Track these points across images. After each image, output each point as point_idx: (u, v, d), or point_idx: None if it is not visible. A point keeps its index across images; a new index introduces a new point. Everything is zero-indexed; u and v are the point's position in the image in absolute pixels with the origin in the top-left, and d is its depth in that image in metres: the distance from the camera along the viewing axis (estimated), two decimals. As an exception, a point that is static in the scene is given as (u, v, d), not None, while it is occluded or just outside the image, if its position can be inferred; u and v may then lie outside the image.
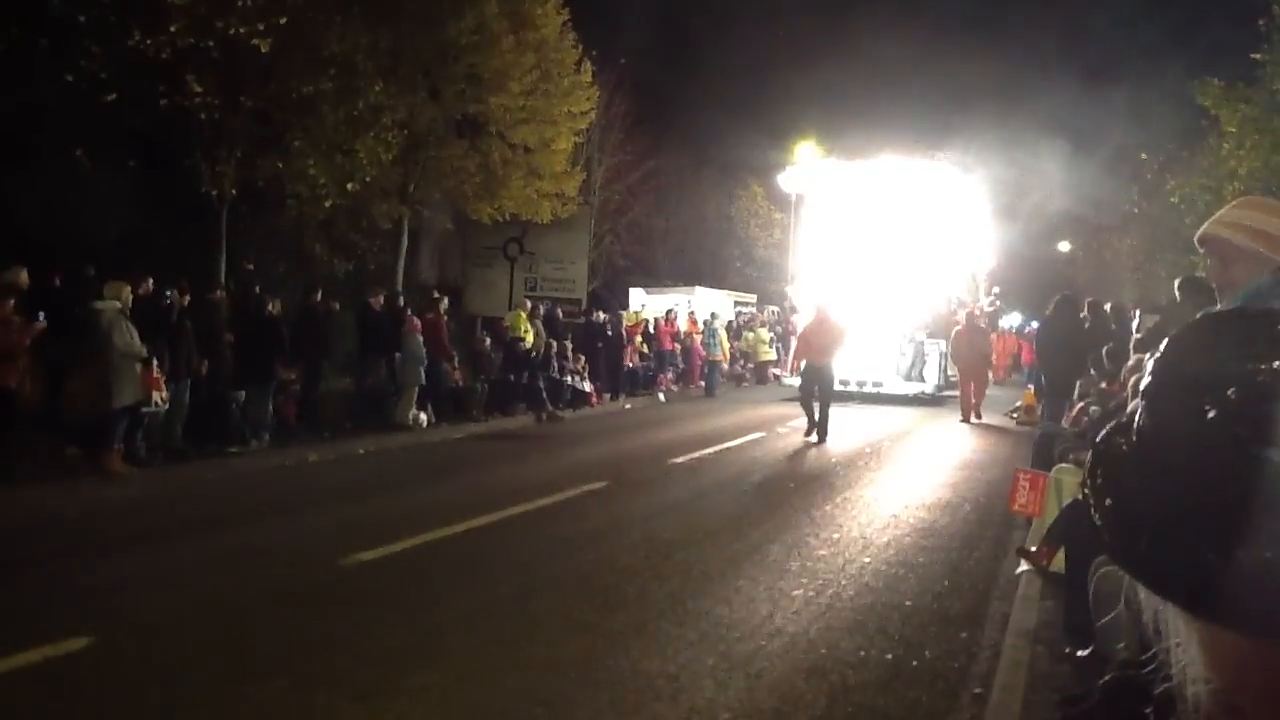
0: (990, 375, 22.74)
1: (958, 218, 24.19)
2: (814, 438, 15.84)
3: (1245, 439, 0.63)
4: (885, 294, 22.98)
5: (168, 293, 12.43)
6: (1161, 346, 0.71)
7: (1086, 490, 0.70)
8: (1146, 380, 0.69)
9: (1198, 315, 0.75)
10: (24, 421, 10.61)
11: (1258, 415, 0.63)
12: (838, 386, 23.20)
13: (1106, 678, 3.87)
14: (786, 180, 26.26)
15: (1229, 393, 0.64)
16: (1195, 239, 3.13)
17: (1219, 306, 2.70)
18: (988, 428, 18.58)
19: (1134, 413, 0.70)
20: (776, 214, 36.44)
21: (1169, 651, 0.71)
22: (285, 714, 4.94)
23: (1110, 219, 39.30)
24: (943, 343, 22.66)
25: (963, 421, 19.11)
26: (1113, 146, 34.38)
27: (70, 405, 11.12)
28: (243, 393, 13.20)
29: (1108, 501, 0.68)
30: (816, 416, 16.04)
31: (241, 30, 14.39)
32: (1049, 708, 4.84)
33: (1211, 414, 0.64)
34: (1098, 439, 0.71)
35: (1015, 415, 19.62)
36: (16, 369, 10.06)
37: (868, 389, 22.66)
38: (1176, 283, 7.69)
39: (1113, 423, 0.70)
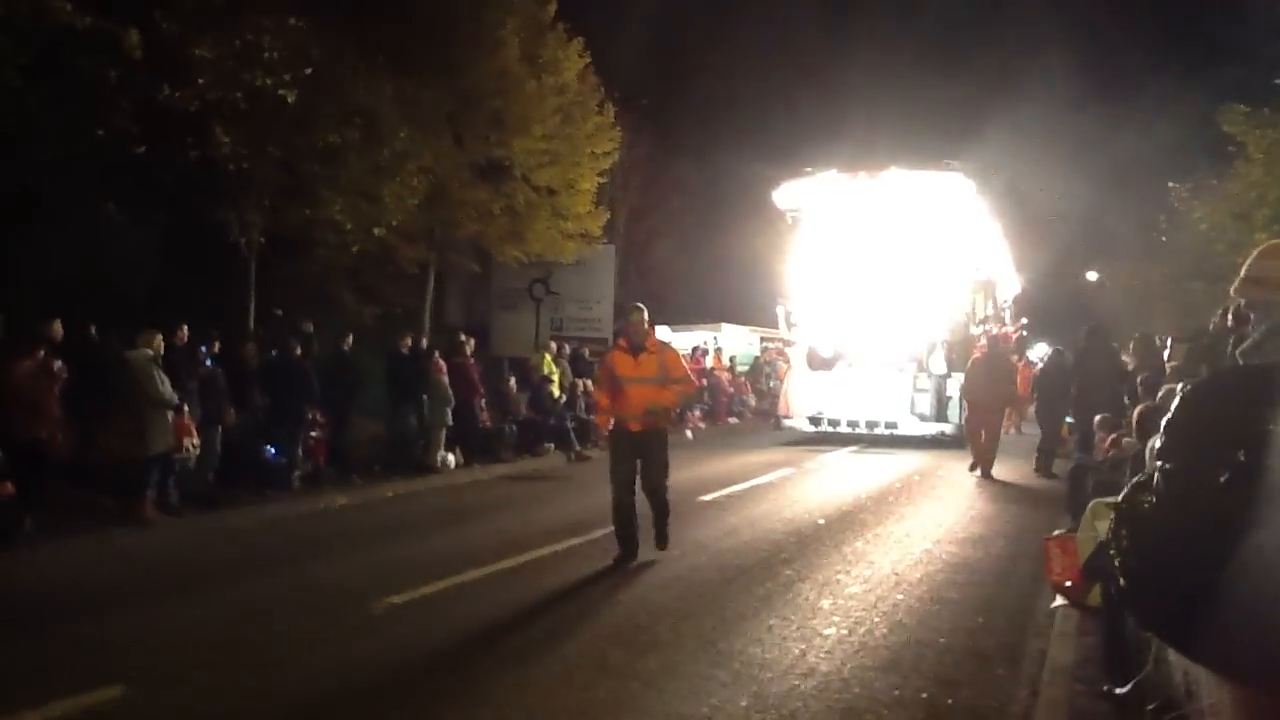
0: (1008, 416, 19.70)
1: (976, 234, 21.44)
2: (656, 554, 9.45)
3: (1262, 501, 0.60)
4: (895, 323, 20.49)
5: (202, 347, 12.61)
6: (1172, 406, 0.69)
7: (1112, 551, 0.67)
8: (1160, 440, 0.67)
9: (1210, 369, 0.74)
10: (57, 472, 10.70)
11: (1272, 477, 0.61)
12: (844, 428, 20.19)
13: None
14: (781, 196, 22.88)
15: (1240, 455, 0.62)
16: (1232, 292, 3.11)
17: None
18: (1015, 460, 17.28)
19: (1154, 471, 0.67)
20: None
21: (1202, 714, 0.68)
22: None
23: (1139, 248, 39.03)
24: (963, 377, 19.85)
25: (971, 471, 16.34)
26: (1139, 172, 34.16)
27: (104, 455, 11.23)
28: (273, 438, 13.30)
29: (1132, 563, 0.64)
30: (653, 517, 9.46)
31: (268, 81, 14.59)
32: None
33: (1224, 477, 0.62)
34: (1121, 498, 0.69)
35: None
36: (46, 420, 10.14)
37: (879, 430, 20.27)
38: (1231, 309, 7.54)
39: (1136, 479, 0.68)
